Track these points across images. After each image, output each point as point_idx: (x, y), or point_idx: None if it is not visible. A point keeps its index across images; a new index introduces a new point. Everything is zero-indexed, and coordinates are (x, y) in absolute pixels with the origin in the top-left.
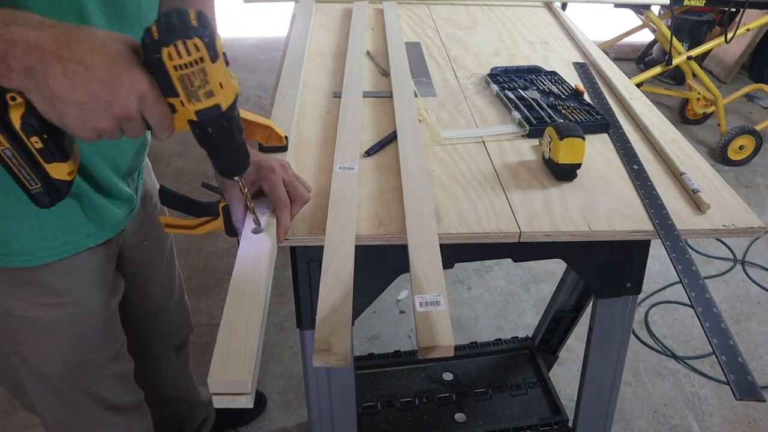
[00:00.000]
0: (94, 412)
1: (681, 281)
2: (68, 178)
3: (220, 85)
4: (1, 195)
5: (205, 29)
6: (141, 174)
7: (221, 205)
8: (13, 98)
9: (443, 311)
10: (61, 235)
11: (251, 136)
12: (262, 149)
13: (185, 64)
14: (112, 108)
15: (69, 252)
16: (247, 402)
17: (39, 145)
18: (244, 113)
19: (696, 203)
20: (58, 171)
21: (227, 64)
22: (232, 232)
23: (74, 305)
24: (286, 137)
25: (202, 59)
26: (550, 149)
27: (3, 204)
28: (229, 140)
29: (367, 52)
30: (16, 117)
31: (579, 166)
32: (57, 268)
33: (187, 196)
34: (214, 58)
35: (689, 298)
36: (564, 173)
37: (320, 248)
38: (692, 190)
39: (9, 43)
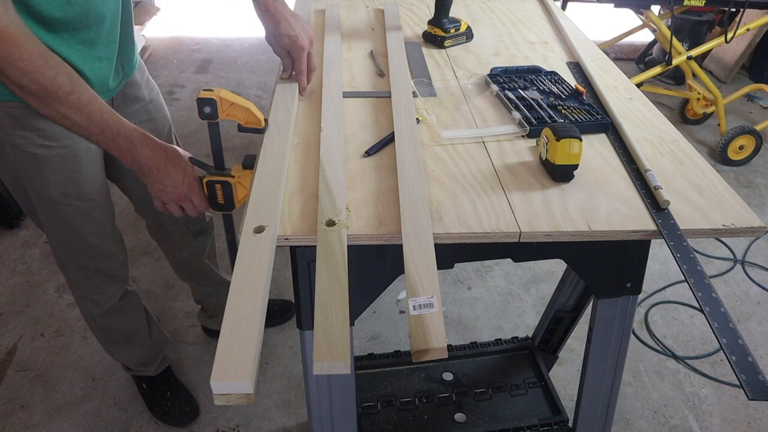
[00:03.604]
0: (85, 238)
1: (686, 281)
2: None
3: None
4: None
5: None
6: (132, 69)
7: (205, 180)
8: None
9: (436, 313)
10: None
11: (231, 116)
12: (242, 130)
13: None
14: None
15: None
16: (247, 400)
17: None
18: (227, 93)
19: (656, 199)
20: None
21: None
22: (216, 206)
23: (62, 148)
24: (266, 120)
25: None
26: (547, 150)
27: None
28: None
29: (370, 52)
30: None
31: (576, 167)
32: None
33: None
34: None
35: (696, 298)
36: (561, 174)
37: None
38: (654, 187)
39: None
